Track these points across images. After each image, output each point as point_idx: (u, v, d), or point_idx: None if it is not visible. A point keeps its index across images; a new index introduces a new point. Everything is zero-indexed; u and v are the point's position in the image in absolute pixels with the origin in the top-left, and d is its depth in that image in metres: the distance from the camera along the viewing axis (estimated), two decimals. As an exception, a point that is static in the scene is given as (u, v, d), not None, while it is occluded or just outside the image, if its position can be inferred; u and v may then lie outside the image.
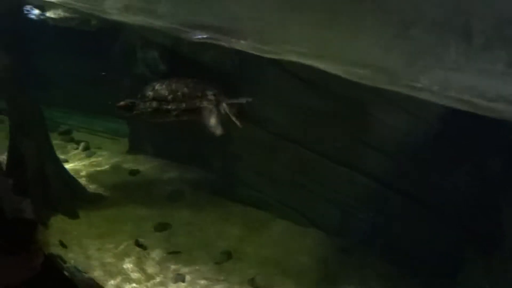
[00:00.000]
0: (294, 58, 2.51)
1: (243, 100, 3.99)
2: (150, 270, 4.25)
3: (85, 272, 3.97)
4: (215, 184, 5.32)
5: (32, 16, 4.92)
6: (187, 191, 5.39)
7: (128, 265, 4.26)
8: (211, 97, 3.78)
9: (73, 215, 4.77)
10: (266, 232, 4.82)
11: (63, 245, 4.32)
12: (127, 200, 5.15)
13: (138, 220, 4.86)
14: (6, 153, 4.63)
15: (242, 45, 2.59)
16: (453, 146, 3.88)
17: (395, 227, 4.36)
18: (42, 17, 4.94)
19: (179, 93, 3.78)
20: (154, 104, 3.84)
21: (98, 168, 5.74)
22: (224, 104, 3.79)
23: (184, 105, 3.74)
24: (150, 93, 3.91)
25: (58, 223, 4.62)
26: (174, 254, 4.45)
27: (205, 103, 3.72)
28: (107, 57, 5.50)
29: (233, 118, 3.78)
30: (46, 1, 3.76)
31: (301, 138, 4.60)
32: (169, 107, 3.79)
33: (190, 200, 5.26)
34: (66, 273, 3.70)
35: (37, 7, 4.88)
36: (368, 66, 2.18)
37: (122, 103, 4.06)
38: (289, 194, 4.91)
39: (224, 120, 3.85)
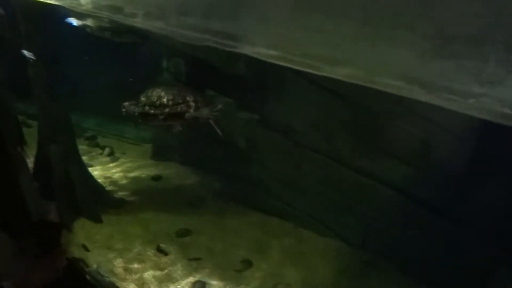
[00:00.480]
0: (326, 68, 2.47)
1: (221, 106, 4.25)
2: (171, 276, 4.26)
3: (106, 276, 4.01)
4: (238, 192, 5.31)
5: (68, 25, 5.06)
6: (209, 198, 5.41)
7: (149, 270, 4.29)
8: (191, 104, 4.19)
9: (97, 219, 4.83)
10: (288, 242, 4.78)
11: (86, 249, 4.38)
12: (150, 206, 5.20)
13: (160, 226, 4.89)
14: (33, 157, 4.73)
15: (272, 56, 2.57)
16: (486, 160, 3.77)
17: (421, 241, 4.25)
18: (78, 26, 5.07)
19: (164, 99, 4.18)
20: (146, 108, 4.23)
21: (122, 173, 5.82)
22: (204, 111, 4.20)
23: (167, 110, 4.15)
24: (143, 99, 4.30)
25: (82, 227, 4.69)
26: (194, 260, 4.45)
27: (183, 108, 4.17)
28: (134, 65, 5.61)
29: (215, 126, 4.17)
30: (82, 12, 3.89)
31: (326, 148, 4.56)
32: (157, 111, 4.19)
33: (212, 207, 5.27)
34: (88, 277, 3.75)
35: (75, 16, 5.02)
36: (402, 77, 2.13)
37: (127, 103, 4.41)
38: (312, 204, 4.86)
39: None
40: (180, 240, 4.72)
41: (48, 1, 3.67)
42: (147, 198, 5.34)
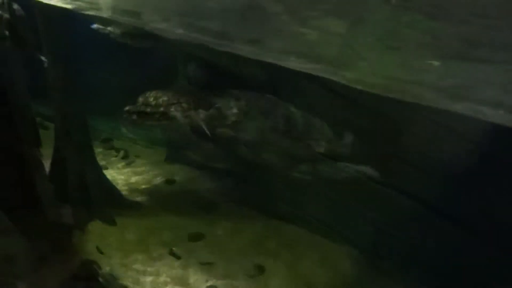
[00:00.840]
0: (347, 75, 2.43)
1: (213, 111, 4.41)
2: (183, 280, 4.25)
3: (119, 279, 4.02)
4: (251, 196, 5.29)
5: (86, 29, 5.13)
6: (222, 202, 5.40)
7: (162, 274, 4.28)
8: (184, 105, 4.43)
9: (111, 222, 4.85)
10: (300, 248, 4.74)
11: (99, 251, 4.40)
12: (163, 209, 5.21)
13: (173, 229, 4.89)
14: (49, 159, 4.78)
15: (289, 62, 2.55)
16: (501, 167, 3.70)
17: (432, 247, 4.19)
18: (97, 30, 5.15)
19: (160, 100, 4.43)
20: (142, 107, 4.48)
21: (136, 176, 5.85)
22: (193, 112, 4.41)
23: (161, 109, 4.39)
24: (140, 99, 4.52)
25: (96, 229, 4.71)
26: (207, 265, 4.44)
27: (177, 108, 4.41)
28: (151, 70, 5.67)
29: (204, 127, 4.35)
30: (105, 18, 3.99)
31: (339, 154, 4.53)
32: (152, 111, 4.43)
33: (225, 211, 5.26)
34: (101, 279, 3.76)
35: (99, 22, 5.10)
36: (427, 85, 2.08)
37: (128, 107, 4.58)
38: (325, 211, 4.82)
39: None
40: (193, 244, 4.71)
41: (66, 6, 3.72)
42: (160, 201, 5.36)
